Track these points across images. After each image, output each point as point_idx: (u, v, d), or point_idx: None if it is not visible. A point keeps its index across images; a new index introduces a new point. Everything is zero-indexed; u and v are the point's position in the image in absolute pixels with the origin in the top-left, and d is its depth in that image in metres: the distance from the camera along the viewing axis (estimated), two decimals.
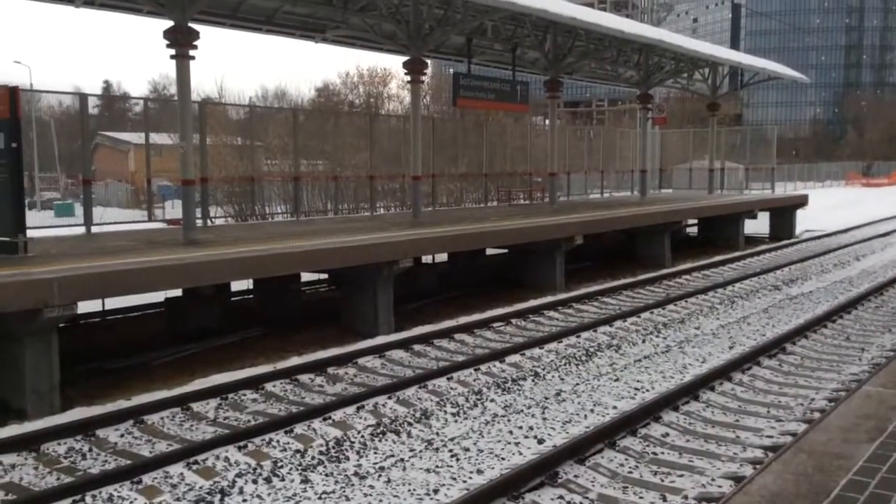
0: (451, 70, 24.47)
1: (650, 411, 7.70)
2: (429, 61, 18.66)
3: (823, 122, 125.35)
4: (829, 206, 39.07)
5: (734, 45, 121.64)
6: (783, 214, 26.70)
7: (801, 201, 27.69)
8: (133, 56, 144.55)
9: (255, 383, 8.94)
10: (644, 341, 11.20)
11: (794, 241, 24.57)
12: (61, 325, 8.72)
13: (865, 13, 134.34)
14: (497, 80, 19.62)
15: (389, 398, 8.46)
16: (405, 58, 16.62)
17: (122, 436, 7.44)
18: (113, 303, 12.32)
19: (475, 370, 9.61)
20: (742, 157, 33.27)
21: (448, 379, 9.22)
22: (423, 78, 17.74)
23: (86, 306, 11.86)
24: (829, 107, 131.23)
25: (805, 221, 28.42)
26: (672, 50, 22.63)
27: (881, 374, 5.64)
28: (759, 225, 25.74)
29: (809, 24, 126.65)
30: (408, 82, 17.49)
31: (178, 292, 11.96)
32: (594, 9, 35.22)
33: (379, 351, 10.49)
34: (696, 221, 25.42)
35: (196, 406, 8.22)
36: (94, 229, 14.10)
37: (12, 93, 9.34)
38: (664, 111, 34.70)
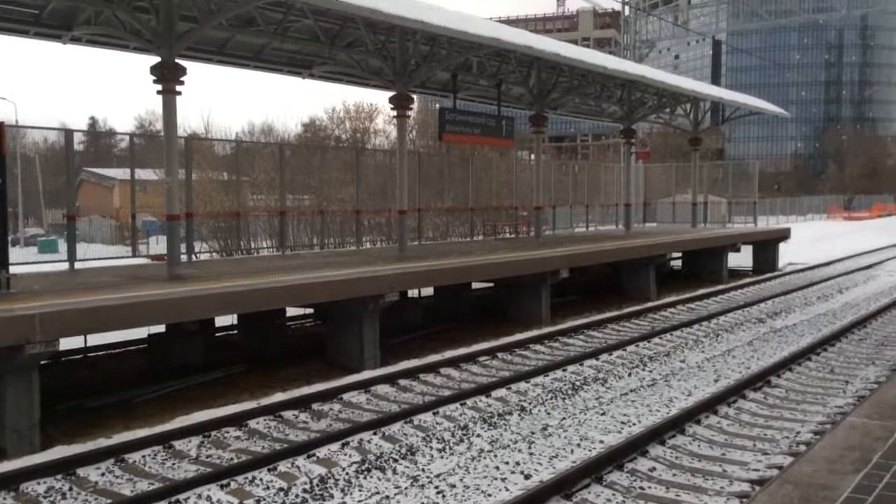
0: (437, 105, 24.68)
1: (637, 445, 7.67)
2: (415, 96, 18.81)
3: (805, 157, 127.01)
4: (812, 239, 39.46)
5: (715, 81, 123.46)
6: (766, 248, 26.91)
7: (784, 234, 27.93)
8: (120, 92, 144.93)
9: (238, 420, 8.84)
10: (630, 375, 11.19)
11: (777, 274, 24.73)
12: (43, 362, 8.62)
13: (844, 49, 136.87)
14: (482, 115, 19.78)
15: (375, 434, 8.39)
16: (391, 93, 16.74)
17: (102, 475, 7.33)
18: (95, 339, 12.20)
19: (461, 405, 9.56)
20: (724, 191, 33.59)
21: (434, 414, 9.17)
22: (409, 113, 17.85)
23: (68, 343, 11.76)
24: (810, 141, 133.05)
25: (788, 254, 28.66)
26: (654, 85, 22.93)
27: (865, 405, 5.66)
28: (742, 258, 25.92)
29: (789, 60, 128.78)
30: (394, 117, 17.61)
31: (161, 328, 11.87)
32: (578, 45, 35.72)
33: (364, 386, 10.42)
34: (680, 255, 25.56)
35: (178, 444, 8.12)
36: (78, 265, 14.00)
37: None
38: (647, 146, 35.14)
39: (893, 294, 19.29)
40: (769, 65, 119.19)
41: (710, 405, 9.17)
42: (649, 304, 17.77)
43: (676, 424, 8.39)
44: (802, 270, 25.86)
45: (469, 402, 9.69)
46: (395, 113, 17.11)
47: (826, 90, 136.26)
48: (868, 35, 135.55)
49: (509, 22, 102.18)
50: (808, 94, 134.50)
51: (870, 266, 26.73)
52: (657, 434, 8.03)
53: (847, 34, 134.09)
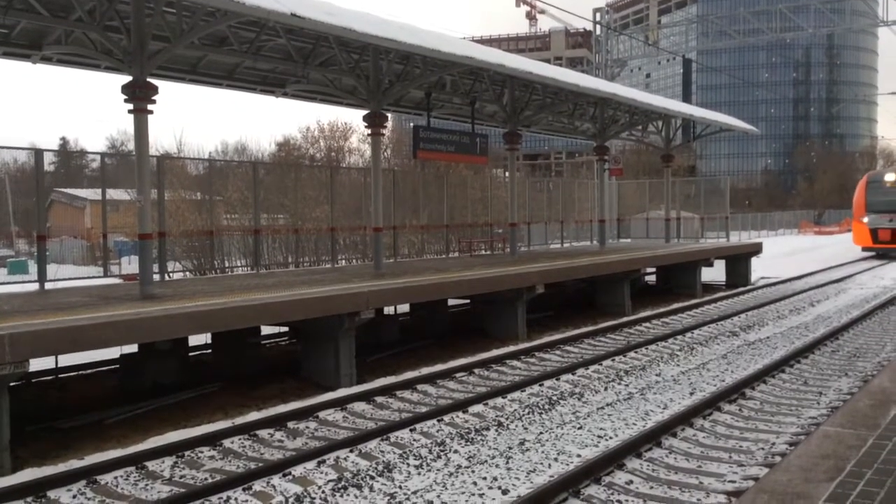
0: (411, 123, 24.75)
1: (614, 459, 7.67)
2: (389, 115, 18.84)
3: (775, 173, 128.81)
4: (783, 253, 39.96)
5: (686, 98, 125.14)
6: (739, 262, 27.17)
7: (756, 249, 28.24)
8: (91, 112, 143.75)
9: (212, 440, 8.73)
10: (606, 389, 11.21)
11: (750, 288, 24.96)
12: (12, 383, 8.46)
13: (812, 67, 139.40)
14: (456, 133, 19.86)
15: (351, 451, 8.32)
16: (365, 111, 16.78)
17: (74, 497, 7.20)
18: (66, 360, 12.02)
19: (438, 421, 9.52)
20: (697, 207, 33.94)
21: (411, 430, 9.12)
22: (384, 131, 17.87)
23: (38, 364, 11.58)
24: (780, 158, 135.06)
25: (760, 269, 28.97)
26: (626, 103, 23.17)
27: (838, 414, 5.71)
28: (715, 273, 26.16)
29: (758, 78, 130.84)
30: (368, 135, 17.62)
31: (133, 348, 11.72)
32: (550, 64, 36.01)
33: (340, 404, 10.35)
34: (654, 270, 25.74)
35: (151, 465, 8.00)
36: (49, 286, 13.83)
37: None
38: (620, 163, 35.43)
39: (864, 306, 19.54)
40: (739, 83, 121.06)
41: (685, 418, 9.21)
42: (625, 319, 17.86)
43: (653, 437, 8.41)
44: (775, 284, 26.14)
45: (446, 418, 9.65)
46: (369, 131, 17.14)
47: (795, 107, 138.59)
48: (834, 53, 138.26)
49: (483, 41, 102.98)
50: (777, 111, 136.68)
51: (841, 279, 27.09)
52: (634, 447, 8.04)
53: (814, 52, 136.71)
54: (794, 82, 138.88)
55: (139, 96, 11.95)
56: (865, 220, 36.57)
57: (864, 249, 37.57)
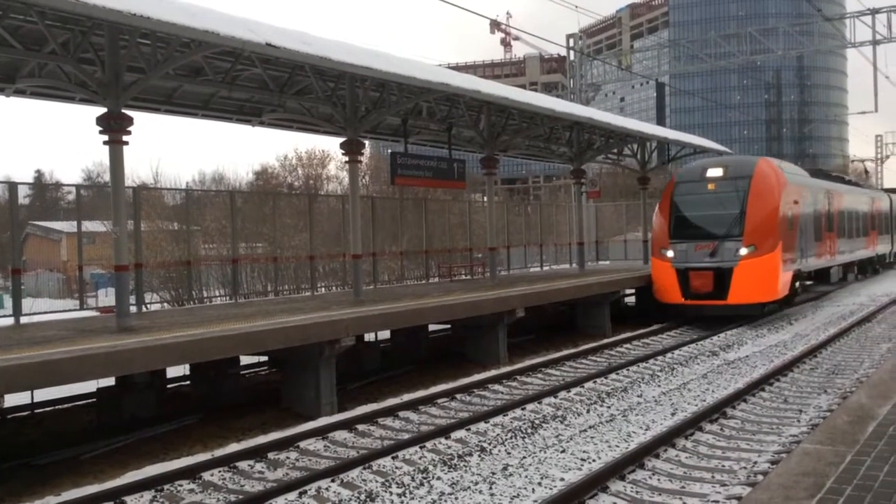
0: (389, 150, 24.83)
1: (597, 482, 7.66)
2: (366, 142, 18.89)
3: None
4: None
5: (660, 122, 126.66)
6: None
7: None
8: (66, 144, 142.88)
9: (191, 473, 8.62)
10: (589, 411, 11.21)
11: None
12: None
13: (783, 89, 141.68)
14: (434, 159, 19.92)
15: (333, 481, 8.24)
16: (342, 139, 16.81)
17: None
18: (42, 395, 11.84)
19: (421, 448, 9.46)
20: None
21: (393, 458, 9.06)
22: (361, 158, 17.90)
23: (13, 399, 11.41)
24: None
25: None
26: (601, 127, 23.38)
27: (817, 431, 5.74)
28: None
29: (731, 100, 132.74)
30: (346, 163, 17.64)
31: (111, 381, 11.57)
32: (526, 89, 36.33)
33: (322, 433, 10.26)
34: (633, 291, 25.83)
35: (129, 500, 7.88)
36: (24, 320, 13.65)
37: None
38: (597, 185, 35.67)
39: (841, 323, 19.72)
40: (712, 105, 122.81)
41: (667, 439, 9.23)
42: (605, 341, 17.90)
43: (636, 459, 8.41)
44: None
45: (429, 444, 9.60)
46: (346, 158, 17.15)
47: (767, 128, 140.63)
48: (804, 75, 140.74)
49: (459, 68, 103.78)
50: (751, 132, 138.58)
51: (818, 297, 27.31)
52: (617, 469, 8.04)
53: (785, 74, 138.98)
54: (766, 104, 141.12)
55: (114, 128, 11.91)
56: (669, 254, 20.53)
57: (667, 308, 20.90)
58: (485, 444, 9.53)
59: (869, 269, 35.64)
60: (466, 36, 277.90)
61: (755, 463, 8.42)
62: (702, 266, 19.81)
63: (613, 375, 13.82)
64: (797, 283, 22.19)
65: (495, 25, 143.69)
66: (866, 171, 76.47)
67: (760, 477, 7.74)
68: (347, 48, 14.06)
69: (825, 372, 13.55)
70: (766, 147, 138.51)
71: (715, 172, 21.01)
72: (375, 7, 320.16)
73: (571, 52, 40.77)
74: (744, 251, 19.49)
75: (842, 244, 27.81)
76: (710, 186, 20.81)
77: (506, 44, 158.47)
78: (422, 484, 8.09)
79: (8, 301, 15.37)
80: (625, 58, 54.36)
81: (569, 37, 41.70)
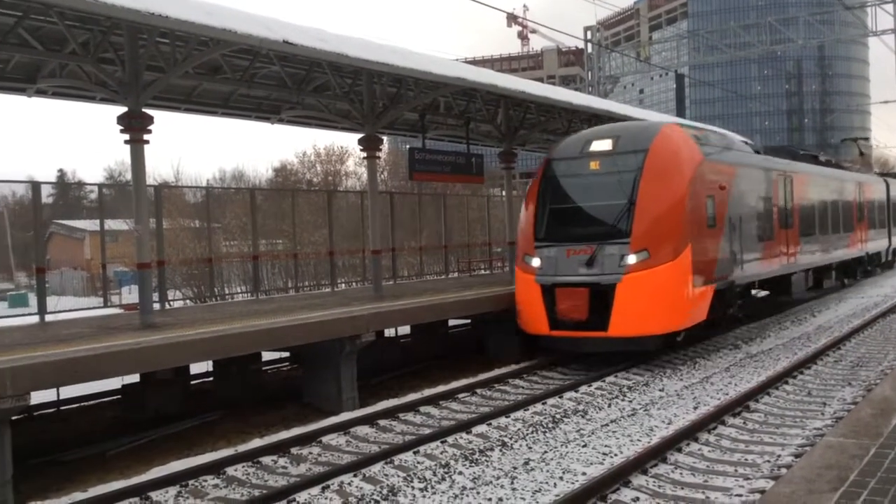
0: (407, 146, 24.86)
1: (619, 476, 7.65)
2: (384, 137, 18.92)
3: None
4: None
5: (680, 113, 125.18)
6: None
7: None
8: (88, 144, 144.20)
9: (216, 468, 8.70)
10: (610, 405, 11.18)
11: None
12: (14, 417, 8.44)
13: (804, 79, 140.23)
14: (452, 154, 19.90)
15: (355, 476, 8.29)
16: (360, 135, 16.85)
17: None
18: (68, 392, 11.99)
19: (442, 443, 9.49)
20: None
21: (415, 453, 9.08)
22: (379, 154, 17.97)
23: (40, 396, 11.55)
24: None
25: None
26: (620, 119, 23.25)
27: (841, 424, 5.71)
28: None
29: (751, 91, 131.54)
30: (364, 158, 17.68)
31: (135, 378, 11.70)
32: (544, 83, 36.24)
33: (343, 428, 10.31)
34: None
35: (155, 495, 7.96)
36: (49, 318, 13.81)
37: None
38: None
39: (865, 315, 19.52)
40: (732, 96, 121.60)
41: (690, 433, 9.18)
42: None
43: (658, 453, 8.39)
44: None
45: (450, 439, 9.62)
46: (364, 154, 17.20)
47: (788, 119, 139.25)
48: (826, 64, 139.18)
49: (476, 62, 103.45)
50: (772, 123, 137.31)
51: (841, 288, 27.00)
52: (639, 464, 8.02)
53: (805, 64, 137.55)
54: (787, 94, 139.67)
55: (135, 127, 12.01)
56: (534, 262, 14.19)
57: (534, 340, 14.62)
58: (506, 439, 9.54)
59: (858, 271, 28.47)
60: (483, 30, 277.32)
61: (778, 456, 8.37)
62: (573, 281, 13.53)
63: (635, 369, 13.74)
64: (731, 301, 15.92)
65: (512, 19, 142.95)
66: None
67: (784, 470, 7.70)
68: (364, 44, 14.07)
69: (849, 364, 13.43)
70: (788, 138, 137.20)
71: (601, 145, 14.47)
72: (392, 3, 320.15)
73: (589, 45, 40.60)
74: (631, 259, 13.22)
75: (808, 243, 21.04)
76: (593, 165, 14.37)
77: (523, 37, 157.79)
78: (443, 478, 8.11)
79: (33, 300, 15.58)
80: (643, 49, 54.06)
81: (586, 29, 41.56)
